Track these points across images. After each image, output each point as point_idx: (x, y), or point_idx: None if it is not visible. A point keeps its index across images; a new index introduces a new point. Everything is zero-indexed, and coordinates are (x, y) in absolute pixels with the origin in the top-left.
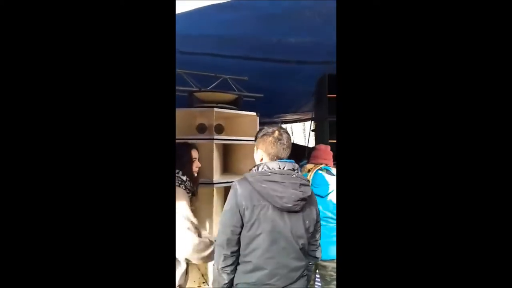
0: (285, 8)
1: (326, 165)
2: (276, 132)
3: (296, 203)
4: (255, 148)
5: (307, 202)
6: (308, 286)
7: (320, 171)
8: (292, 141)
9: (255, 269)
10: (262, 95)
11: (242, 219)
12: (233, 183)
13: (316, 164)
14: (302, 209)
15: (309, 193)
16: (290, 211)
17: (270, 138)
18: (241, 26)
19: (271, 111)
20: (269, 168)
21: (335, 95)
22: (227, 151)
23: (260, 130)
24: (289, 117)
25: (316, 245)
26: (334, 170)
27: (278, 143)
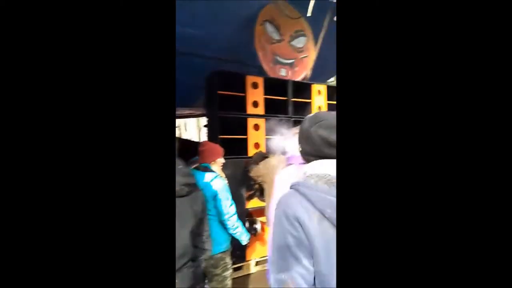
0: None
1: (204, 162)
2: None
3: (182, 186)
4: None
5: (193, 190)
6: (195, 286)
7: (195, 169)
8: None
9: None
10: None
11: None
12: None
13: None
14: (188, 195)
15: (194, 182)
16: (178, 195)
17: None
18: None
19: None
20: None
21: (225, 92)
22: None
23: None
24: (181, 111)
25: (205, 235)
26: (215, 167)
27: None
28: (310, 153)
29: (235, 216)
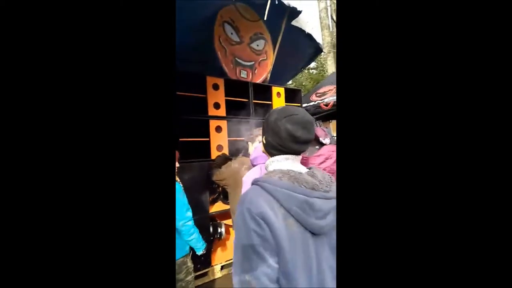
0: None
1: None
2: None
3: None
4: None
5: None
6: None
7: None
8: None
9: None
10: None
11: None
12: None
13: None
14: None
15: None
16: None
17: None
18: None
19: None
20: None
21: (185, 93)
22: None
23: None
24: None
25: None
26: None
27: None
28: (274, 147)
29: (191, 222)
